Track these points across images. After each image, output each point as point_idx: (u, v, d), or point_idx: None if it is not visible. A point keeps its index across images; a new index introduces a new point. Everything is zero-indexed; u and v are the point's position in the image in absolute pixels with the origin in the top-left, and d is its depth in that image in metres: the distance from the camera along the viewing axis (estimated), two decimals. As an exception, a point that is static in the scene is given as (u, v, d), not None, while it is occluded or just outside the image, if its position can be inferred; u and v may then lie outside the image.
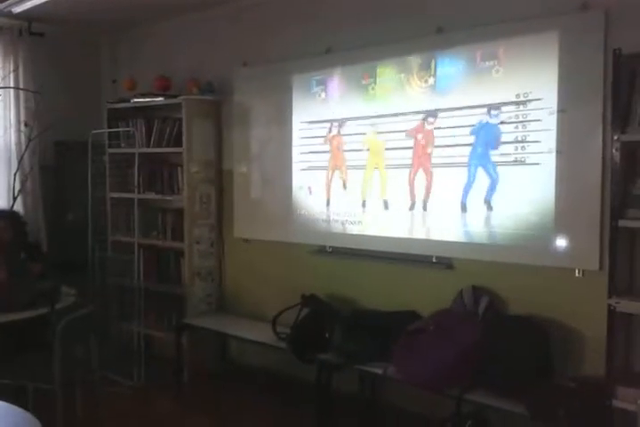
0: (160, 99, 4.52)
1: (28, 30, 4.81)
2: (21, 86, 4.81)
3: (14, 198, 4.68)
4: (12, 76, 4.79)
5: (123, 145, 4.82)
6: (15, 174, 4.71)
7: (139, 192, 4.63)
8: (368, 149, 3.77)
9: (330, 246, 4.01)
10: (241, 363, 4.57)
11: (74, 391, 3.59)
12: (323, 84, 3.96)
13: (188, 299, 4.47)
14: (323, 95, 3.97)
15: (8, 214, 4.25)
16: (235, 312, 4.54)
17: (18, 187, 4.71)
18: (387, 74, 3.65)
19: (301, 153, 4.12)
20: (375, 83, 3.70)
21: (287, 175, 4.18)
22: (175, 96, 4.45)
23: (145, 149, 4.63)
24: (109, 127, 4.86)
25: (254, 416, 3.76)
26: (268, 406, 3.89)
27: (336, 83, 3.90)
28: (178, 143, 4.45)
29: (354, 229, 3.86)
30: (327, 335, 3.53)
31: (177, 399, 4.11)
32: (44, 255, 4.33)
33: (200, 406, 3.97)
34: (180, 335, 4.27)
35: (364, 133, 3.79)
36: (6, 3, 4.31)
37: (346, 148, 3.88)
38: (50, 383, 3.20)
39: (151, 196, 4.67)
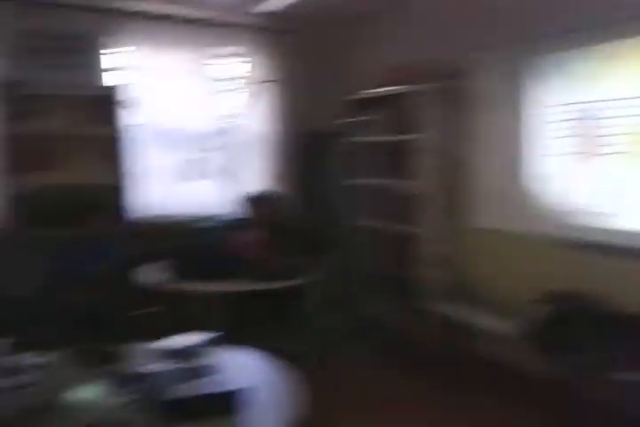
0: (400, 87, 4.58)
1: (273, 27, 5.21)
2: (267, 80, 5.24)
3: (271, 185, 5.13)
4: (257, 70, 5.24)
5: (365, 134, 4.99)
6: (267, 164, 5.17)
7: (381, 178, 4.80)
8: (626, 134, 3.46)
9: (578, 240, 3.76)
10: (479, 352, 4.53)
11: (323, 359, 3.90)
12: (561, 66, 3.74)
13: (425, 284, 4.55)
14: (565, 77, 3.74)
15: (276, 197, 4.69)
16: (473, 302, 4.50)
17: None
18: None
19: (543, 139, 3.92)
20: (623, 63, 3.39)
21: (527, 162, 4.02)
22: (414, 84, 4.48)
23: (386, 137, 4.76)
24: (352, 117, 5.06)
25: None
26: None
27: (578, 64, 3.66)
28: (418, 130, 4.50)
29: (607, 222, 3.60)
30: (576, 336, 3.37)
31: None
32: (305, 235, 4.68)
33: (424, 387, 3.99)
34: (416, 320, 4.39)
35: (617, 117, 3.49)
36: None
37: (598, 133, 3.60)
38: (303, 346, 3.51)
39: (392, 182, 4.80)
